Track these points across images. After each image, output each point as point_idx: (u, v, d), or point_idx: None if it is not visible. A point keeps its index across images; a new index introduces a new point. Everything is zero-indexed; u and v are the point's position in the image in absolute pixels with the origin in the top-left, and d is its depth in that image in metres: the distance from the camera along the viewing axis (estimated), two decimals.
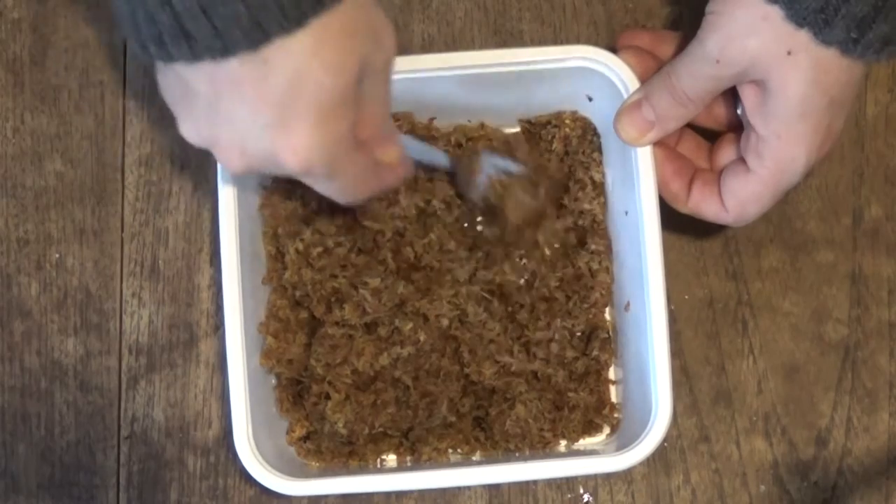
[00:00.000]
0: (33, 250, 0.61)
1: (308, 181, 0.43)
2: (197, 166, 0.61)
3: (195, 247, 0.61)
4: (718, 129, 0.54)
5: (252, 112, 0.39)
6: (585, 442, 0.57)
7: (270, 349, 0.56)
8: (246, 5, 0.36)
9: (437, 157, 0.55)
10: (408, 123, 0.58)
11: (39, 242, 0.61)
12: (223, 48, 0.37)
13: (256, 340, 0.55)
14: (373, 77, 0.42)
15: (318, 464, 0.57)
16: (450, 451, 0.57)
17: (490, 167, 0.56)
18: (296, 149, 0.40)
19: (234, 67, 0.38)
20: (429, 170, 0.56)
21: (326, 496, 0.59)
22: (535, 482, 0.59)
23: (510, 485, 0.59)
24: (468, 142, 0.58)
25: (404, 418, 0.56)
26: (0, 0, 0.62)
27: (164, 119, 0.61)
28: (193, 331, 0.60)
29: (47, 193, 0.61)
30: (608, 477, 0.59)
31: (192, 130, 0.42)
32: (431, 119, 0.58)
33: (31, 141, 0.62)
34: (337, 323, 0.56)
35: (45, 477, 0.60)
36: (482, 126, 0.59)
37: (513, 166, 0.56)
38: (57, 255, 0.61)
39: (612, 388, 0.57)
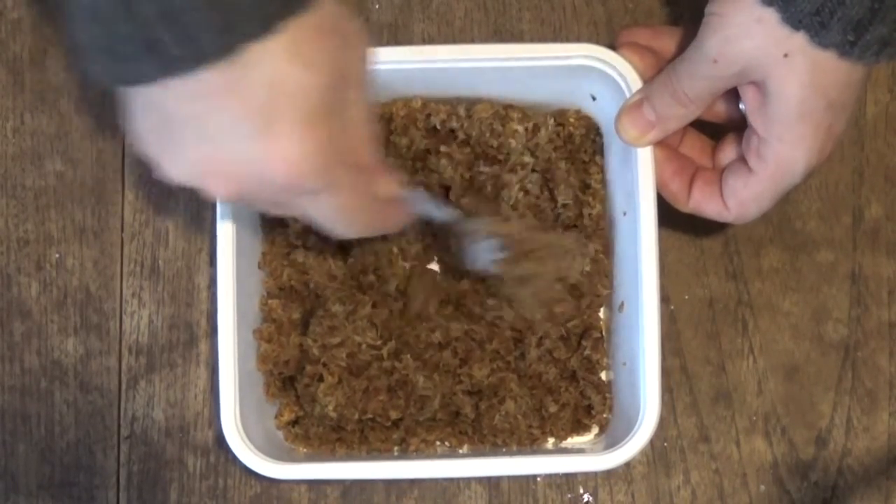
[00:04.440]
0: (33, 250, 0.61)
1: (303, 203, 0.41)
2: None
3: (195, 247, 0.61)
4: (720, 124, 0.54)
5: (234, 122, 0.37)
6: (574, 440, 0.57)
7: (266, 354, 0.56)
8: (215, 10, 0.34)
9: (442, 212, 0.53)
10: (421, 107, 0.57)
11: (39, 242, 0.61)
12: (195, 57, 0.35)
13: (247, 326, 0.55)
14: (350, 86, 0.40)
15: (305, 449, 0.57)
16: (437, 443, 0.57)
17: (488, 248, 0.55)
18: (285, 156, 0.38)
19: (209, 78, 0.36)
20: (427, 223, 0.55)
21: (326, 496, 0.59)
22: (535, 482, 0.59)
23: (510, 485, 0.59)
24: (503, 125, 0.58)
25: (395, 408, 0.56)
26: (0, 0, 0.62)
27: None
28: (193, 331, 0.60)
29: (47, 193, 0.61)
30: (608, 477, 0.59)
31: (176, 165, 0.39)
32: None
33: (31, 141, 0.62)
34: (341, 300, 0.56)
35: (45, 477, 0.60)
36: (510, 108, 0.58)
37: (503, 251, 0.55)
38: (57, 255, 0.61)
39: (603, 388, 0.57)
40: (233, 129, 0.37)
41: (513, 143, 0.57)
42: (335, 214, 0.42)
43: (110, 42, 0.35)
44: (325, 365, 0.56)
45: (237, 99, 0.36)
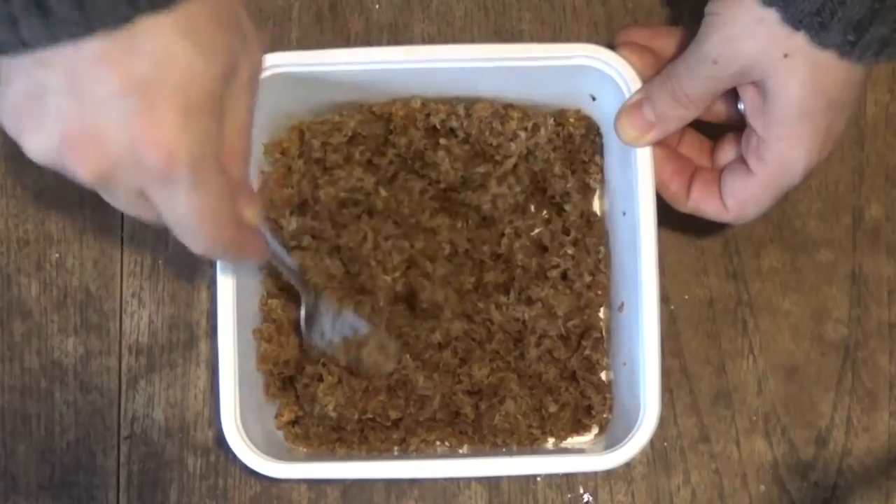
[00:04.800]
0: (33, 250, 0.61)
1: (161, 197, 0.38)
2: None
3: None
4: (719, 124, 0.54)
5: (112, 95, 0.35)
6: (573, 440, 0.57)
7: (266, 353, 0.56)
8: None
9: (288, 265, 0.53)
10: (420, 107, 0.57)
11: (39, 242, 0.61)
12: (86, 25, 0.34)
13: (247, 326, 0.55)
14: (237, 88, 0.39)
15: (305, 449, 0.57)
16: (437, 443, 0.57)
17: (340, 324, 0.55)
18: (160, 140, 0.36)
19: (96, 47, 0.34)
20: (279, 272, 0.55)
21: (326, 496, 0.59)
22: (535, 482, 0.59)
23: (510, 485, 0.59)
24: (502, 125, 0.57)
25: (395, 408, 0.56)
26: None
27: None
28: (193, 331, 0.60)
29: (47, 193, 0.61)
30: (608, 477, 0.59)
31: (39, 140, 0.37)
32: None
33: None
34: (340, 300, 0.56)
35: (45, 477, 0.60)
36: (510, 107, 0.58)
37: (364, 327, 0.56)
38: (57, 255, 0.61)
39: (603, 388, 0.57)
40: (110, 103, 0.35)
41: (512, 146, 0.57)
42: (190, 218, 0.40)
43: (1, 1, 0.34)
44: (324, 365, 0.56)
45: (120, 71, 0.35)
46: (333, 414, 0.55)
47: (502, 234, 0.58)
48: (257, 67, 0.40)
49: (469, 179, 0.58)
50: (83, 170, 0.37)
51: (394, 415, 0.56)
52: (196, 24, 0.36)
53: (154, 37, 0.35)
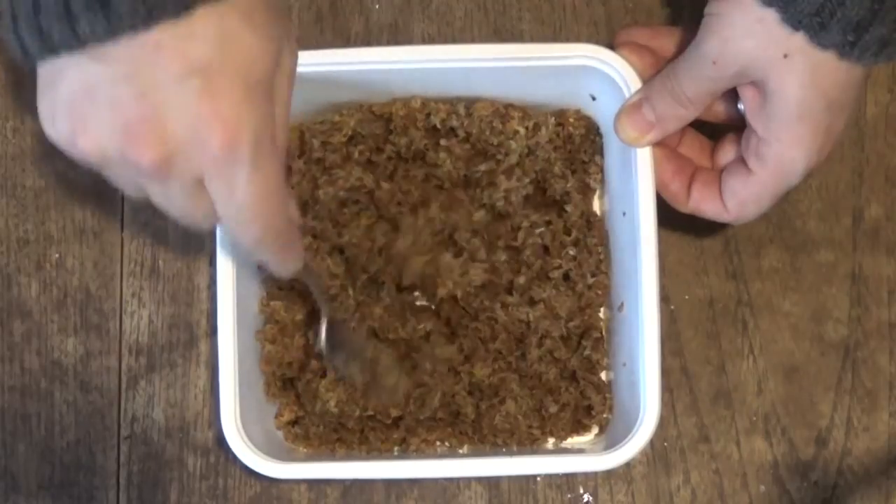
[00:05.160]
0: (33, 250, 0.61)
1: (224, 178, 0.38)
2: None
3: (195, 247, 0.61)
4: (719, 124, 0.54)
5: (175, 79, 0.35)
6: (573, 440, 0.57)
7: (270, 355, 0.56)
8: None
9: (320, 296, 0.54)
10: (420, 107, 0.57)
11: (39, 242, 0.61)
12: (147, 17, 0.34)
13: (247, 326, 0.55)
14: (281, 75, 0.39)
15: (305, 449, 0.57)
16: (438, 443, 0.57)
17: (358, 348, 0.56)
18: (224, 117, 0.36)
19: (155, 36, 0.35)
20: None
21: (326, 496, 0.59)
22: (535, 482, 0.59)
23: (510, 485, 0.59)
24: (503, 124, 0.57)
25: (396, 406, 0.56)
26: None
27: None
28: (193, 331, 0.60)
29: (47, 193, 0.61)
30: (608, 477, 0.59)
31: (97, 135, 0.37)
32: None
33: (31, 141, 0.62)
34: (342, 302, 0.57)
35: (45, 477, 0.60)
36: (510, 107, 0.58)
37: (380, 352, 0.56)
38: (57, 255, 0.61)
39: (603, 388, 0.57)
40: (172, 86, 0.36)
41: (513, 144, 0.57)
42: (251, 199, 0.39)
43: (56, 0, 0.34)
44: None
45: (181, 55, 0.35)
46: (335, 410, 0.56)
47: (517, 228, 0.57)
48: (296, 57, 0.41)
49: (471, 178, 0.58)
50: (146, 156, 0.37)
51: (394, 412, 0.56)
52: (253, 9, 0.37)
53: (213, 22, 0.35)
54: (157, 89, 0.36)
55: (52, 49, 0.36)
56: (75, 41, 0.35)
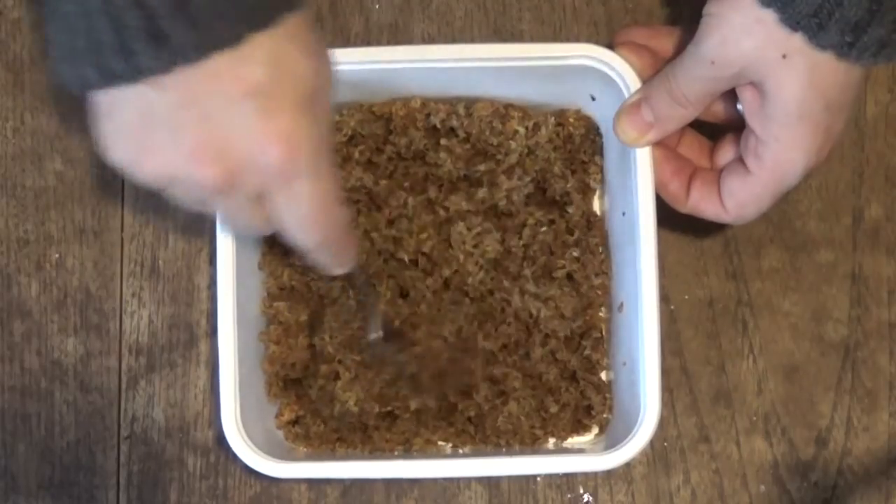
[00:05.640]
0: (33, 250, 0.61)
1: (286, 190, 0.41)
2: None
3: (195, 247, 0.61)
4: (719, 124, 0.54)
5: (233, 101, 0.38)
6: (574, 440, 0.57)
7: (275, 355, 0.56)
8: (225, 1, 0.36)
9: (369, 290, 0.55)
10: (420, 107, 0.57)
11: (39, 242, 0.61)
12: (202, 48, 0.36)
13: (247, 326, 0.55)
14: (321, 95, 0.41)
15: (305, 449, 0.57)
16: (440, 443, 0.57)
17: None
18: (282, 132, 0.38)
19: (213, 64, 0.37)
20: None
21: (326, 496, 0.59)
22: (535, 482, 0.59)
23: (510, 485, 0.59)
24: (503, 124, 0.57)
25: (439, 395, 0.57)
26: (0, 1, 0.62)
27: None
28: (193, 331, 0.60)
29: (47, 193, 0.61)
30: (608, 477, 0.59)
31: (160, 158, 0.39)
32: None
33: (31, 141, 0.62)
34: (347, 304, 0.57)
35: (45, 477, 0.60)
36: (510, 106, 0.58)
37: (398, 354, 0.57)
38: (57, 255, 0.61)
39: (603, 388, 0.57)
40: (231, 109, 0.38)
41: (513, 143, 0.57)
42: (312, 208, 0.42)
43: (114, 34, 0.35)
44: (340, 362, 0.56)
45: (238, 79, 0.37)
46: (355, 409, 0.56)
47: (523, 225, 0.57)
48: (333, 71, 0.43)
49: (472, 178, 0.58)
50: (211, 176, 0.39)
51: (414, 405, 0.56)
52: (297, 32, 0.39)
53: (265, 46, 0.38)
54: (216, 112, 0.38)
55: (111, 82, 0.37)
56: (135, 74, 0.37)
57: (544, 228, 0.57)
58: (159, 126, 0.38)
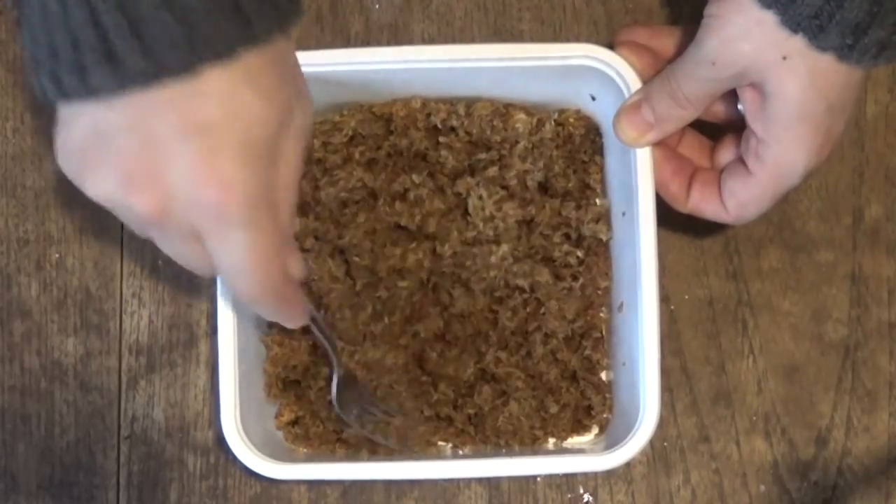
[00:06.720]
0: (33, 250, 0.61)
1: (218, 235, 0.39)
2: None
3: None
4: (719, 124, 0.54)
5: (177, 136, 0.37)
6: (574, 441, 0.57)
7: (277, 357, 0.56)
8: (180, 27, 0.35)
9: (326, 333, 0.54)
10: (420, 107, 0.57)
11: (39, 242, 0.61)
12: (154, 73, 0.35)
13: (247, 326, 0.55)
14: (290, 139, 0.40)
15: (305, 449, 0.57)
16: (440, 443, 0.57)
17: (369, 401, 0.56)
18: (219, 178, 0.37)
19: (162, 92, 0.36)
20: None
21: (326, 496, 0.59)
22: (535, 482, 0.59)
23: (510, 485, 0.59)
24: (503, 123, 0.57)
25: (420, 432, 0.57)
26: (0, 0, 0.62)
27: None
28: (193, 331, 0.60)
29: (47, 193, 0.61)
30: (608, 477, 0.59)
31: (100, 179, 0.38)
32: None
33: (31, 141, 0.62)
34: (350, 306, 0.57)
35: (45, 477, 0.60)
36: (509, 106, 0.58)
37: (392, 409, 0.56)
38: (57, 255, 0.61)
39: (603, 388, 0.57)
40: (172, 142, 0.37)
41: (519, 129, 0.57)
42: (242, 260, 0.40)
43: (71, 51, 0.35)
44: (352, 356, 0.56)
45: (184, 113, 0.36)
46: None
47: (542, 208, 0.57)
48: (309, 120, 0.41)
49: (475, 166, 0.57)
50: (142, 203, 0.38)
51: (427, 412, 0.57)
52: (257, 72, 0.37)
53: (217, 83, 0.36)
54: (160, 141, 0.37)
55: (66, 96, 0.37)
56: (87, 91, 0.36)
57: (558, 219, 0.57)
58: (104, 145, 0.38)
